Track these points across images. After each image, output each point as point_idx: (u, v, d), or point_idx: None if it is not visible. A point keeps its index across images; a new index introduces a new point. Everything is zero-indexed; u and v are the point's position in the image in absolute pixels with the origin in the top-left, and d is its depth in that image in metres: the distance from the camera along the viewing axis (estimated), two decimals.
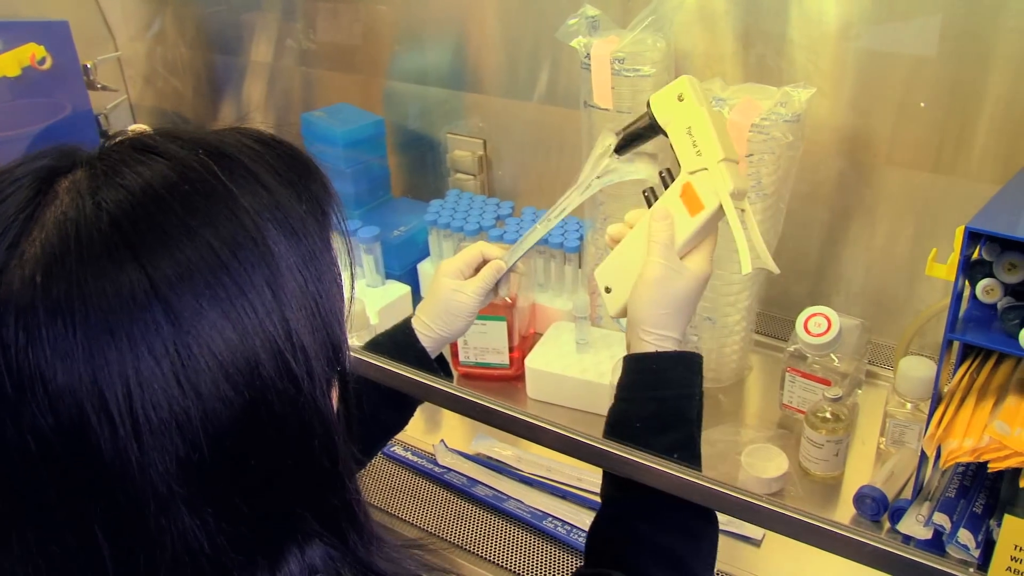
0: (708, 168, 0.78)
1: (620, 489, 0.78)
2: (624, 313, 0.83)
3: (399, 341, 0.91)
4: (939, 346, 0.78)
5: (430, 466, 1.14)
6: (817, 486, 1.07)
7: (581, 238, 1.30)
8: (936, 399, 0.79)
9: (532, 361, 1.23)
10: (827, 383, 1.09)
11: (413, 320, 0.92)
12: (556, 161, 1.51)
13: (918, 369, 1.02)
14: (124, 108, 1.92)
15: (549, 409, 1.22)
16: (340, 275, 0.50)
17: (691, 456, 0.75)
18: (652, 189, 0.84)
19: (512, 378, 1.28)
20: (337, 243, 0.50)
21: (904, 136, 1.18)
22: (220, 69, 1.90)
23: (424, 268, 1.46)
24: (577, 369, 1.21)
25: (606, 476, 0.81)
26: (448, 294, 0.91)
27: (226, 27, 1.84)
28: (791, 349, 1.12)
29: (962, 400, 0.78)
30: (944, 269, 0.78)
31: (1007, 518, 0.64)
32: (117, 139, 0.46)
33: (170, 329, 0.40)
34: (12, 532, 0.42)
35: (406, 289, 1.41)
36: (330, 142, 1.49)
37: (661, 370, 0.78)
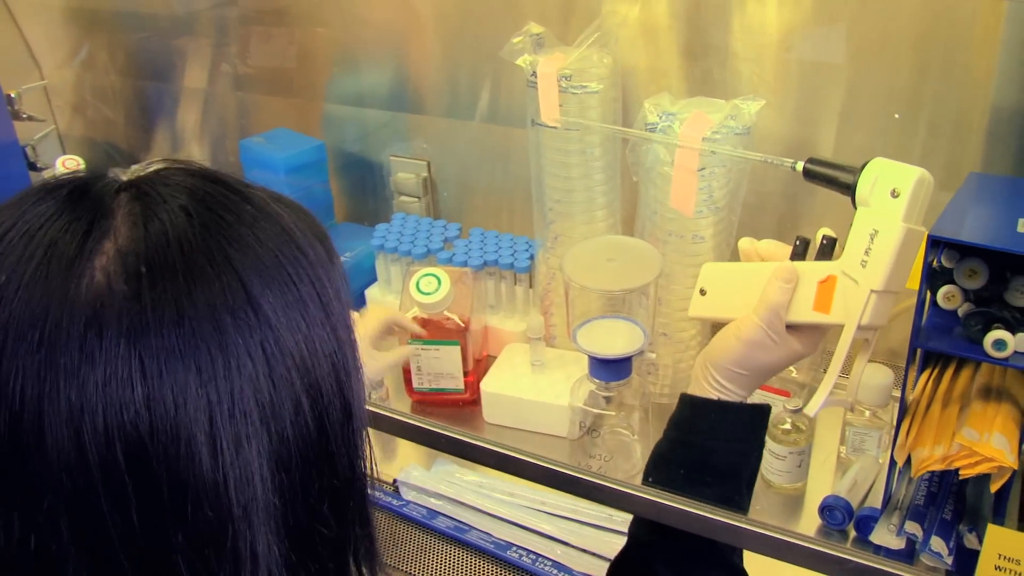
0: (859, 283, 0.71)
1: (648, 529, 0.76)
2: (699, 317, 0.82)
3: None
4: (893, 353, 0.78)
5: (388, 499, 1.11)
6: (781, 498, 1.07)
7: (532, 257, 1.28)
8: (903, 408, 0.79)
9: (488, 385, 1.20)
10: (786, 395, 1.09)
11: None
12: (501, 180, 1.49)
13: (875, 377, 1.02)
14: (52, 138, 1.86)
15: (507, 432, 1.19)
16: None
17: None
18: (827, 238, 0.76)
19: (468, 403, 1.25)
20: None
21: (848, 144, 1.19)
22: (152, 96, 1.85)
23: (371, 293, 1.42)
24: (533, 391, 1.18)
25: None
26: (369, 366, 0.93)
27: (157, 53, 1.79)
28: None
29: (927, 408, 0.78)
30: None
31: (990, 527, 0.63)
32: (154, 164, 0.48)
33: (255, 320, 0.44)
34: (73, 550, 0.40)
35: (353, 315, 1.38)
36: (271, 168, 1.46)
37: (719, 420, 0.75)
